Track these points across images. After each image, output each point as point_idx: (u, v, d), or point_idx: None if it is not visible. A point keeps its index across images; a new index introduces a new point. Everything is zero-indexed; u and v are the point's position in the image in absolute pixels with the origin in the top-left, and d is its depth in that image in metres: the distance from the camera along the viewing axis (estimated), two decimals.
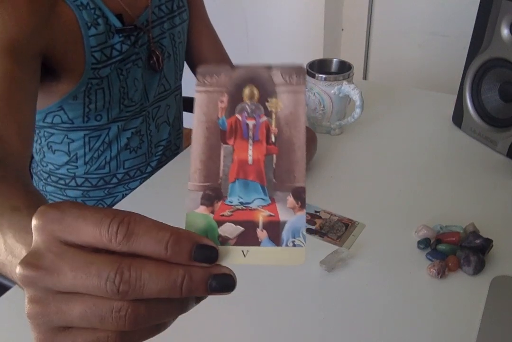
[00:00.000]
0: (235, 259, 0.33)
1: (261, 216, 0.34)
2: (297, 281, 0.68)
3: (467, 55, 0.96)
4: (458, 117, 1.01)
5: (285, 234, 0.34)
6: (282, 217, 0.34)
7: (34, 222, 0.30)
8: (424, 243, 0.72)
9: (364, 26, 2.02)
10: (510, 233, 0.74)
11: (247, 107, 0.36)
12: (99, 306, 0.29)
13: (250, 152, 0.36)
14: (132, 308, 0.29)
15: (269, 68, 0.38)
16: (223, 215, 0.34)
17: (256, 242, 0.33)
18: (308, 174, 0.89)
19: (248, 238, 0.33)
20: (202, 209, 0.34)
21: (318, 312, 0.63)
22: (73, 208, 0.30)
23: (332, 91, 0.95)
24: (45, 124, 0.90)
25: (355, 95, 0.93)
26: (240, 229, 0.34)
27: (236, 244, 0.33)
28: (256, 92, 0.37)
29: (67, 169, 0.96)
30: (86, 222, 0.29)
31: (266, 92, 0.37)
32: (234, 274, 0.32)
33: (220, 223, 0.34)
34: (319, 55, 2.01)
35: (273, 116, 0.36)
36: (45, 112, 0.87)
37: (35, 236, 0.30)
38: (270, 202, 0.35)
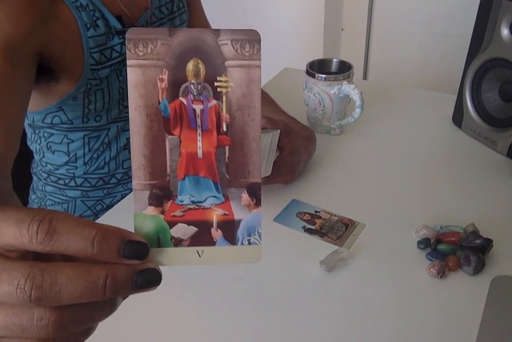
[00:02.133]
0: (190, 260, 0.32)
1: (215, 215, 0.32)
2: (297, 281, 0.68)
3: (467, 55, 0.96)
4: (458, 117, 1.01)
5: (240, 232, 0.32)
6: (236, 215, 0.32)
7: None
8: (424, 243, 0.72)
9: (364, 26, 2.02)
10: (510, 233, 0.74)
11: (193, 87, 0.31)
12: (19, 314, 0.27)
13: (199, 144, 0.32)
14: (54, 315, 0.27)
15: (216, 34, 0.31)
16: (174, 215, 0.32)
17: (211, 242, 0.32)
18: (308, 174, 0.89)
19: (202, 238, 0.32)
20: (150, 210, 0.32)
21: (318, 312, 0.63)
22: None
23: (332, 91, 0.95)
24: (45, 124, 0.90)
25: (355, 95, 0.93)
26: (194, 229, 0.32)
27: (190, 244, 0.31)
28: (202, 67, 0.30)
29: (67, 169, 0.96)
30: (6, 223, 0.27)
31: (214, 67, 0.30)
32: (158, 267, 0.30)
33: (171, 224, 0.32)
34: (319, 55, 2.01)
35: (224, 99, 0.31)
36: (45, 113, 0.87)
37: None
38: (223, 200, 0.32)
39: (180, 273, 0.70)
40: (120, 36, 0.84)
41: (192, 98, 0.31)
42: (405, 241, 0.74)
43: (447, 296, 0.65)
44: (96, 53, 0.82)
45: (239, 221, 0.32)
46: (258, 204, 0.32)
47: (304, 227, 0.78)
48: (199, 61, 0.30)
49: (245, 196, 0.32)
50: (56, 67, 0.80)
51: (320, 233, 0.77)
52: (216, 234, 0.32)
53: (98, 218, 0.89)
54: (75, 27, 0.79)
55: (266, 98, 1.00)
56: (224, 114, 0.31)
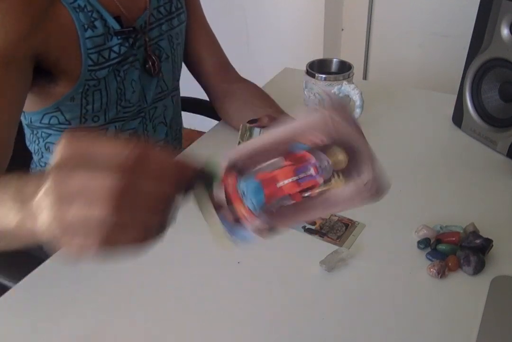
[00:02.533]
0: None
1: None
2: (297, 281, 0.68)
3: (467, 55, 0.96)
4: (458, 117, 1.01)
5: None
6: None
7: (62, 140, 0.37)
8: (424, 243, 0.72)
9: (364, 26, 2.02)
10: (510, 233, 0.74)
11: (326, 163, 0.36)
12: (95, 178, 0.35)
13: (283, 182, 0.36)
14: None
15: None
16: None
17: None
18: None
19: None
20: None
21: (318, 312, 0.63)
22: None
23: (332, 91, 0.95)
24: (43, 125, 0.90)
25: (355, 95, 0.93)
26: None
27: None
28: (344, 162, 0.37)
29: None
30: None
31: (348, 170, 0.37)
32: None
33: None
34: (319, 55, 2.01)
35: (323, 187, 0.36)
36: (42, 113, 0.87)
37: (61, 151, 0.37)
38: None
39: (180, 273, 0.70)
40: (119, 37, 0.84)
41: (317, 165, 0.37)
42: (405, 241, 0.74)
43: (447, 296, 0.65)
44: (93, 54, 0.82)
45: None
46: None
47: (304, 227, 0.78)
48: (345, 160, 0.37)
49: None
50: (53, 69, 0.80)
51: (320, 233, 0.77)
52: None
53: None
54: (72, 28, 0.78)
55: (267, 99, 1.00)
56: (315, 192, 0.37)
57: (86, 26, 0.80)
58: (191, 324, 0.62)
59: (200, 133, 1.10)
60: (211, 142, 0.99)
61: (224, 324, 0.62)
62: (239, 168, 0.37)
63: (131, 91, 0.91)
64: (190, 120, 1.37)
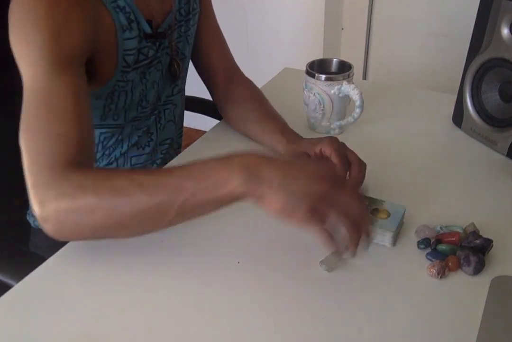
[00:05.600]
0: None
1: None
2: (297, 281, 0.68)
3: (467, 55, 0.96)
4: (458, 117, 1.01)
5: None
6: None
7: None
8: (424, 243, 0.72)
9: (364, 26, 2.02)
10: (510, 233, 0.74)
11: None
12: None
13: None
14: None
15: None
16: None
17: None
18: None
19: None
20: None
21: (318, 312, 0.63)
22: None
23: (332, 91, 0.95)
24: None
25: (355, 95, 0.93)
26: None
27: None
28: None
29: None
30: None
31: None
32: None
33: None
34: (319, 55, 2.01)
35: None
36: None
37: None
38: None
39: (180, 273, 0.70)
40: (147, 40, 0.84)
41: None
42: (405, 241, 0.74)
43: (447, 296, 0.65)
44: (128, 55, 0.82)
45: None
46: None
47: None
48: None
49: None
50: (91, 67, 0.78)
51: None
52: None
53: None
54: (112, 29, 0.78)
55: (272, 113, 0.98)
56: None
57: (124, 28, 0.80)
58: (191, 324, 0.62)
59: (199, 132, 1.10)
60: (211, 141, 0.99)
61: (224, 324, 0.62)
62: None
63: (152, 93, 0.91)
64: (190, 119, 1.38)
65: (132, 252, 0.73)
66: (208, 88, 1.08)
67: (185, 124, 1.14)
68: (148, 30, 0.84)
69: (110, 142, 0.94)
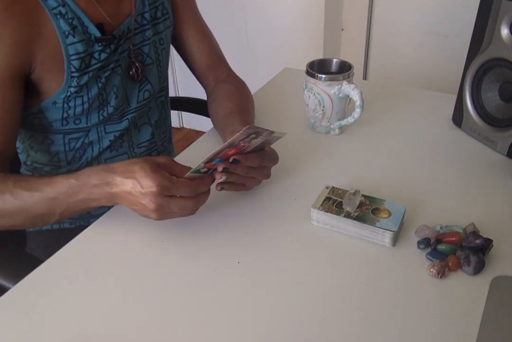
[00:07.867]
0: None
1: None
2: (297, 281, 0.68)
3: (467, 55, 0.96)
4: (458, 117, 1.01)
5: None
6: None
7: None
8: (424, 243, 0.72)
9: (364, 26, 2.02)
10: (510, 233, 0.74)
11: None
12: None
13: None
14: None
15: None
16: None
17: None
18: (307, 174, 0.89)
19: None
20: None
21: (318, 312, 0.63)
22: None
23: (332, 91, 0.95)
24: (25, 125, 0.91)
25: (355, 95, 0.93)
26: None
27: None
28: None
29: (51, 168, 0.97)
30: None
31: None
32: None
33: None
34: (319, 55, 2.01)
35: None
36: (25, 115, 0.87)
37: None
38: None
39: (180, 273, 0.70)
40: (100, 44, 0.85)
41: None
42: (405, 241, 0.74)
43: (447, 296, 0.65)
44: (75, 60, 0.82)
45: None
46: None
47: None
48: None
49: None
50: (37, 76, 0.81)
51: None
52: None
53: (90, 214, 0.89)
54: (54, 35, 0.79)
55: (240, 110, 0.97)
56: None
57: (67, 33, 0.80)
58: (191, 324, 0.62)
59: (200, 134, 1.10)
60: (210, 142, 0.99)
61: (224, 323, 0.62)
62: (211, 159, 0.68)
63: (113, 97, 0.91)
64: (190, 120, 1.37)
65: (132, 252, 0.73)
66: (204, 88, 1.09)
67: (185, 126, 1.14)
68: (97, 34, 0.84)
69: (78, 145, 0.94)
